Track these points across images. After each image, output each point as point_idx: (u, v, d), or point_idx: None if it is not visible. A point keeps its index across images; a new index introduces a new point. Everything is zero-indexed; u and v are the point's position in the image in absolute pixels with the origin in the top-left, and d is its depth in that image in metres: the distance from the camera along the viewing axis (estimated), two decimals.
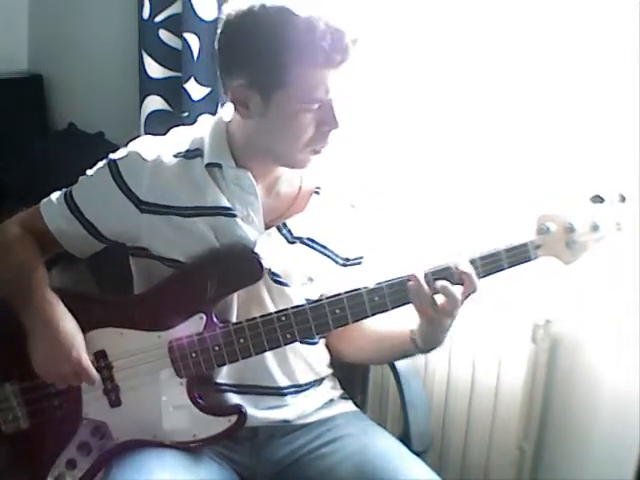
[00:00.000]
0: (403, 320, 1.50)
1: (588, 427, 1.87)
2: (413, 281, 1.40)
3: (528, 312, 1.87)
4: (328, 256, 1.55)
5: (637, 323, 1.72)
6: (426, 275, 1.40)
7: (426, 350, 1.51)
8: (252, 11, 1.36)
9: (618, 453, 1.77)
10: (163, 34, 2.20)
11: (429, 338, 1.48)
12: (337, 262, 1.57)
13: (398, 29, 1.95)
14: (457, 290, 1.39)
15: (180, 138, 1.52)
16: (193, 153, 1.49)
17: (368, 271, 1.62)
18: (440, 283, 1.39)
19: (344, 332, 1.53)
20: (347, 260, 1.59)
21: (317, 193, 1.54)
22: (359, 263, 1.62)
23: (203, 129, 1.52)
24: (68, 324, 1.43)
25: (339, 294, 1.43)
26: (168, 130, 1.57)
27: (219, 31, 1.42)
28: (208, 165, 1.47)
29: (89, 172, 1.53)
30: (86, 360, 1.42)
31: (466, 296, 1.41)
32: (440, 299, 1.40)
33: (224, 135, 1.49)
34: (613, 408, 1.82)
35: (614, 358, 1.80)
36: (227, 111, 1.51)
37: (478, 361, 1.94)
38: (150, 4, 2.18)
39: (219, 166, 1.48)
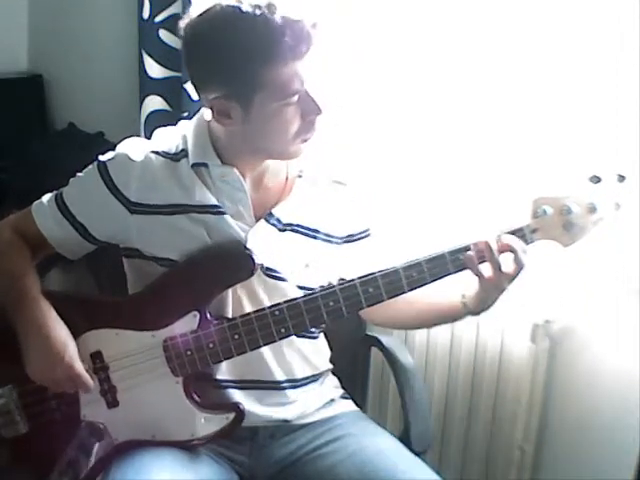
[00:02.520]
0: (448, 288, 1.48)
1: (588, 427, 1.87)
2: (483, 247, 1.37)
3: (528, 312, 1.87)
4: (321, 239, 1.54)
5: (637, 323, 1.72)
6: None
7: (478, 313, 1.49)
8: (206, 24, 1.35)
9: (618, 453, 1.77)
10: (163, 34, 2.20)
11: (484, 302, 1.45)
12: (332, 242, 1.56)
13: (389, 17, 1.94)
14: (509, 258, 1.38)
15: (165, 139, 1.52)
16: (179, 155, 1.48)
17: (379, 243, 1.61)
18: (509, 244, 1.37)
19: (387, 305, 1.48)
20: (351, 236, 1.58)
21: (300, 177, 1.53)
22: (367, 236, 1.60)
23: (186, 129, 1.51)
24: (60, 331, 1.42)
25: (332, 286, 1.43)
26: None
27: (182, 47, 1.41)
28: (194, 165, 1.47)
29: (79, 174, 1.53)
30: (79, 367, 1.42)
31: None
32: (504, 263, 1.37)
33: (206, 134, 1.48)
34: (613, 408, 1.82)
35: (614, 358, 1.80)
36: (207, 111, 1.49)
37: (478, 361, 1.94)
38: (150, 4, 2.18)
39: (205, 165, 1.47)
